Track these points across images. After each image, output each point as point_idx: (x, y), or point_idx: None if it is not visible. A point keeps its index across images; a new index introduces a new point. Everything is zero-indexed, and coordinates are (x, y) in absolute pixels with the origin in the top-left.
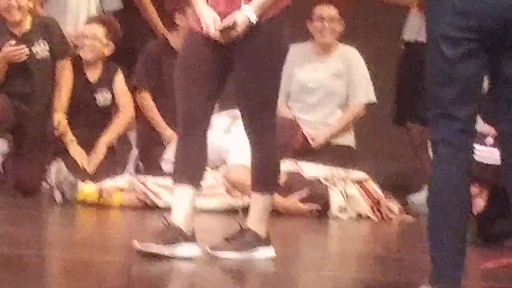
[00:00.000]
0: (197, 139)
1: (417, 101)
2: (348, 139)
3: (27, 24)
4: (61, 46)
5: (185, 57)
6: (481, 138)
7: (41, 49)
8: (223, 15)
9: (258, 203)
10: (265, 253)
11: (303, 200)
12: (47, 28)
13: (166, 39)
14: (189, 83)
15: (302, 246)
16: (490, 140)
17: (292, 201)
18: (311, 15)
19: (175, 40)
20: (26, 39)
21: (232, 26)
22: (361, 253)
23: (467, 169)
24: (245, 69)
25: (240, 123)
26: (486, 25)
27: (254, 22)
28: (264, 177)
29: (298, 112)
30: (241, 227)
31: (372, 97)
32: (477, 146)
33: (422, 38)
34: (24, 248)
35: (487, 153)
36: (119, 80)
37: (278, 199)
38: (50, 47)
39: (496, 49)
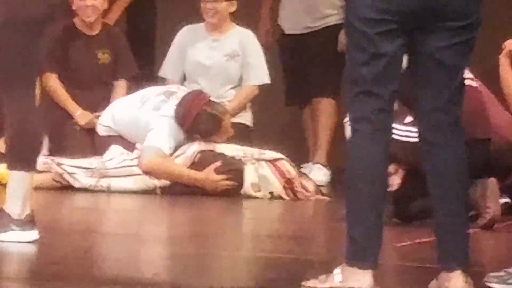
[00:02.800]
0: None
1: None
2: (245, 118)
3: None
4: None
5: None
6: (399, 117)
7: None
8: None
9: (14, 182)
10: (20, 236)
11: (218, 172)
12: None
13: (72, 21)
14: None
15: (217, 226)
16: (408, 118)
17: (207, 172)
18: None
19: (80, 23)
20: None
21: None
22: (276, 232)
23: (386, 148)
24: None
25: (171, 101)
26: (405, 8)
27: None
28: (20, 152)
29: None
30: None
31: (266, 79)
32: (395, 125)
33: None
34: None
35: (404, 132)
36: None
37: (192, 173)
38: None
39: (415, 30)
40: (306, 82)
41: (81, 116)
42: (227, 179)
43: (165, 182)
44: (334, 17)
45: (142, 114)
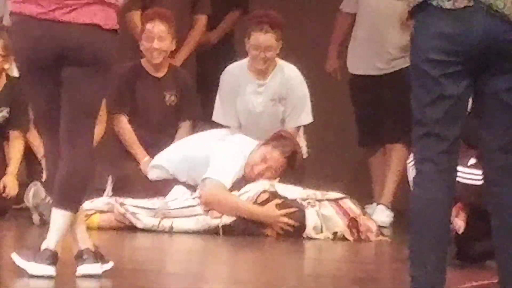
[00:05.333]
0: None
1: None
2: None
3: None
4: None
5: None
6: (462, 159)
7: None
8: None
9: (60, 220)
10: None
11: (279, 208)
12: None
13: (140, 62)
14: None
15: (278, 268)
16: (472, 160)
17: (268, 207)
18: (249, 37)
19: (147, 64)
20: None
21: None
22: (338, 273)
23: (450, 189)
24: None
25: (229, 138)
26: (470, 49)
27: None
28: (71, 193)
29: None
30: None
31: (306, 120)
32: (458, 167)
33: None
34: (2, 269)
35: (468, 174)
36: None
37: (252, 206)
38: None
39: (480, 70)
40: (379, 127)
41: (146, 163)
42: (288, 213)
43: (226, 221)
44: (402, 59)
45: (202, 150)
